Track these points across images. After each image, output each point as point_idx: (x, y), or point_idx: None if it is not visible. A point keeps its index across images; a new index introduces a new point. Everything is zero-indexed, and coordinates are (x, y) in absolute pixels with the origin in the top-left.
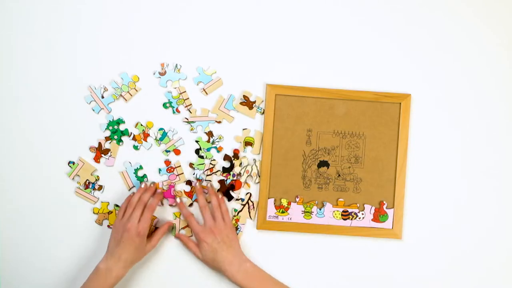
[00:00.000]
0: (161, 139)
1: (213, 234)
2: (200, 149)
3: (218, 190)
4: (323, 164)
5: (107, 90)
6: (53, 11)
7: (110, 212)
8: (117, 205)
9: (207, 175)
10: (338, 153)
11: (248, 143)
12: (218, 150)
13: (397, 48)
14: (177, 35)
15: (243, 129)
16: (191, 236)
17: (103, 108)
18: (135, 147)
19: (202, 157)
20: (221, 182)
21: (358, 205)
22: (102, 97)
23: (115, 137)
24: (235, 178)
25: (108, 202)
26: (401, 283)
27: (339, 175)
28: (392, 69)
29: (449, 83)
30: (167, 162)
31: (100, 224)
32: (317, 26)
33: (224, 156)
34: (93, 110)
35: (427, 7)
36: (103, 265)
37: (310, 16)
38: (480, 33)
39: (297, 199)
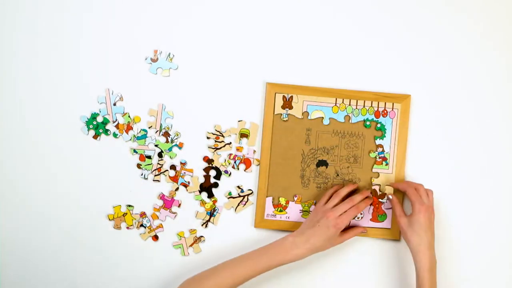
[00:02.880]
0: (138, 138)
1: (429, 213)
2: (162, 151)
3: (202, 184)
4: (322, 163)
5: (122, 100)
6: (56, 10)
7: (125, 214)
8: (129, 205)
9: (155, 175)
10: (337, 152)
11: (243, 135)
12: (179, 146)
13: (397, 49)
14: (177, 34)
15: (239, 121)
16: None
17: (109, 114)
18: (115, 135)
19: (149, 157)
20: (206, 177)
21: None
22: (114, 104)
23: (100, 130)
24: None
25: (120, 205)
26: (399, 283)
27: (338, 175)
28: (392, 69)
29: (448, 84)
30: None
31: (119, 228)
32: (318, 26)
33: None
34: (100, 111)
35: (427, 9)
36: (292, 238)
37: (310, 16)
38: (478, 35)
39: (296, 198)
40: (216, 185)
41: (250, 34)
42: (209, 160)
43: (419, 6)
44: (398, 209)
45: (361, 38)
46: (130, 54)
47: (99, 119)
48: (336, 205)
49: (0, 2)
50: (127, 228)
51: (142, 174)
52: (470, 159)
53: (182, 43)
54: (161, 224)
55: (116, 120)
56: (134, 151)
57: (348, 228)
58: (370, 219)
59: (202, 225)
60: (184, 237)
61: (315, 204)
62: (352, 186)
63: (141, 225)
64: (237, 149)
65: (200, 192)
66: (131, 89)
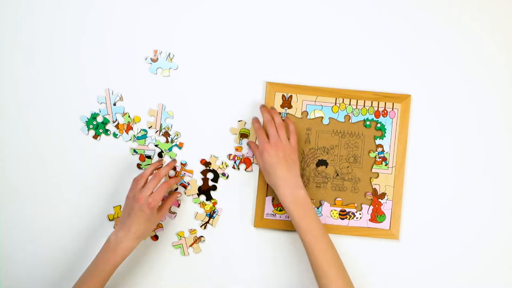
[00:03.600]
0: (138, 138)
1: (276, 149)
2: (162, 151)
3: (199, 188)
4: (322, 163)
5: (122, 100)
6: (56, 10)
7: None
8: None
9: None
10: (337, 152)
11: (243, 135)
12: (179, 146)
13: (397, 49)
14: (177, 34)
15: (238, 121)
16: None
17: (109, 114)
18: (115, 135)
19: (149, 157)
20: (204, 180)
21: (355, 205)
22: (114, 104)
23: (100, 130)
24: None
25: (120, 205)
26: (398, 283)
27: (338, 175)
28: (392, 69)
29: (448, 84)
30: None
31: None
32: (318, 26)
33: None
34: (100, 111)
35: (427, 9)
36: (114, 236)
37: (310, 16)
38: (479, 35)
39: None
40: (214, 188)
41: (250, 34)
42: (206, 163)
43: (419, 6)
44: (256, 154)
45: (361, 38)
46: (130, 54)
47: (99, 119)
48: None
49: (1, 2)
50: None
51: None
52: (470, 159)
53: (182, 43)
54: (161, 224)
55: (116, 120)
56: (134, 151)
57: (163, 201)
58: (369, 220)
59: (201, 226)
60: (184, 237)
61: (313, 203)
62: (156, 164)
63: None
64: (236, 149)
65: (198, 195)
66: (131, 89)
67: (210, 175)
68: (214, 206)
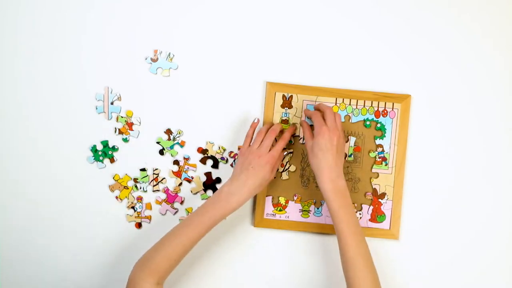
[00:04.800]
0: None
1: (332, 134)
2: (163, 149)
3: (204, 183)
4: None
5: (121, 100)
6: (56, 10)
7: (126, 187)
8: (136, 182)
9: (153, 186)
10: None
11: None
12: (181, 144)
13: (397, 49)
14: (177, 34)
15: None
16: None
17: (105, 112)
18: (125, 140)
19: (144, 169)
20: (207, 174)
21: (355, 205)
22: (112, 103)
23: (105, 154)
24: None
25: (127, 174)
26: (398, 283)
27: None
28: (392, 69)
29: (448, 84)
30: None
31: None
32: (318, 26)
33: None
34: (96, 108)
35: (427, 9)
36: (227, 188)
37: (310, 16)
38: (479, 35)
39: (295, 198)
40: (218, 180)
41: (250, 34)
42: (203, 151)
43: (419, 6)
44: (306, 134)
45: (361, 38)
46: (130, 54)
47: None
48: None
49: (1, 2)
50: (117, 198)
51: (141, 188)
52: (470, 159)
53: (182, 43)
54: (150, 216)
55: (112, 118)
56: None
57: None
58: (369, 220)
59: None
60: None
61: (314, 203)
62: (268, 125)
63: (132, 207)
64: (239, 148)
65: (205, 190)
66: (131, 89)
67: (209, 162)
68: None
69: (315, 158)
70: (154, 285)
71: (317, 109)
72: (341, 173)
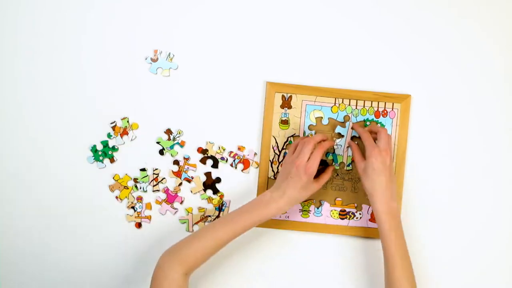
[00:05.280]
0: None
1: (385, 156)
2: (163, 149)
3: (204, 183)
4: (322, 163)
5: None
6: (56, 10)
7: (126, 187)
8: (136, 182)
9: (153, 186)
10: (337, 152)
11: None
12: (181, 145)
13: (397, 49)
14: (177, 34)
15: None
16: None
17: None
18: (109, 136)
19: (144, 169)
20: (207, 174)
21: (355, 205)
22: None
23: (105, 154)
24: (242, 157)
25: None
26: None
27: (337, 175)
28: (392, 69)
29: (448, 84)
30: None
31: (112, 191)
32: (318, 26)
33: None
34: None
35: (427, 9)
36: (269, 193)
37: (310, 16)
38: (478, 35)
39: None
40: (218, 180)
41: (250, 34)
42: (203, 151)
43: (419, 6)
44: (357, 155)
45: (361, 38)
46: (130, 54)
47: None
48: None
49: (1, 2)
50: (117, 198)
51: (141, 188)
52: (470, 159)
53: (182, 43)
54: (150, 216)
55: (114, 121)
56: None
57: (323, 171)
58: (369, 220)
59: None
60: (192, 213)
61: (314, 203)
62: (317, 136)
63: (132, 207)
64: (239, 148)
65: (204, 190)
66: (131, 89)
67: (209, 162)
68: (221, 199)
69: (368, 180)
70: (182, 275)
71: (370, 130)
72: (394, 195)
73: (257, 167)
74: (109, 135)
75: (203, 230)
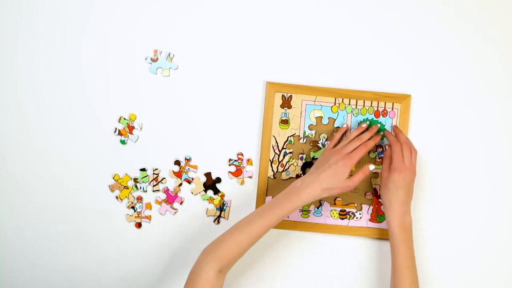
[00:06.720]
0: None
1: (408, 173)
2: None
3: (204, 184)
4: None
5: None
6: (56, 10)
7: (126, 187)
8: (136, 182)
9: (153, 186)
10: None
11: None
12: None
13: (397, 49)
14: (177, 34)
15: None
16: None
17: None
18: (122, 142)
19: (144, 169)
20: (207, 174)
21: (355, 205)
22: None
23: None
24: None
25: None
26: None
27: None
28: (392, 69)
29: (448, 84)
30: None
31: (112, 191)
32: (318, 26)
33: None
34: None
35: (427, 9)
36: (300, 181)
37: (310, 16)
38: (478, 35)
39: None
40: (219, 180)
41: (250, 34)
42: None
43: (419, 6)
44: (385, 164)
45: (361, 38)
46: (130, 54)
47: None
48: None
49: (1, 2)
50: (117, 198)
51: (141, 188)
52: (470, 159)
53: (182, 43)
54: (150, 215)
55: (116, 129)
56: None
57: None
58: (369, 220)
59: (214, 221)
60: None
61: (314, 203)
62: (360, 129)
63: (132, 207)
64: (238, 156)
65: (205, 191)
66: (131, 89)
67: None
68: (222, 199)
69: (387, 192)
70: (217, 272)
71: (397, 134)
72: (409, 210)
73: (250, 177)
74: (122, 142)
75: (238, 224)
